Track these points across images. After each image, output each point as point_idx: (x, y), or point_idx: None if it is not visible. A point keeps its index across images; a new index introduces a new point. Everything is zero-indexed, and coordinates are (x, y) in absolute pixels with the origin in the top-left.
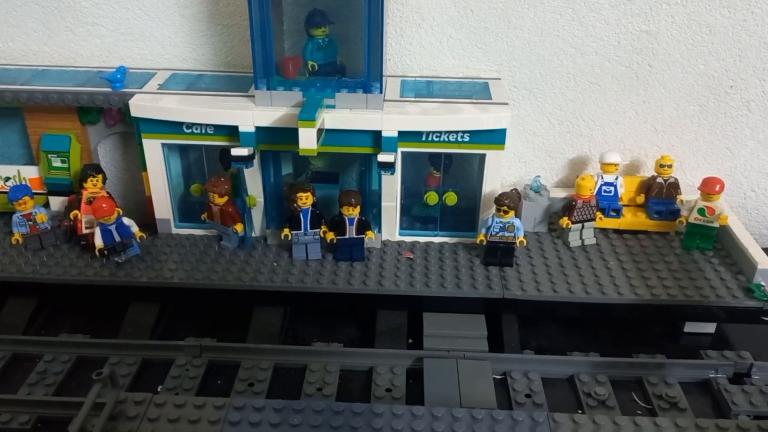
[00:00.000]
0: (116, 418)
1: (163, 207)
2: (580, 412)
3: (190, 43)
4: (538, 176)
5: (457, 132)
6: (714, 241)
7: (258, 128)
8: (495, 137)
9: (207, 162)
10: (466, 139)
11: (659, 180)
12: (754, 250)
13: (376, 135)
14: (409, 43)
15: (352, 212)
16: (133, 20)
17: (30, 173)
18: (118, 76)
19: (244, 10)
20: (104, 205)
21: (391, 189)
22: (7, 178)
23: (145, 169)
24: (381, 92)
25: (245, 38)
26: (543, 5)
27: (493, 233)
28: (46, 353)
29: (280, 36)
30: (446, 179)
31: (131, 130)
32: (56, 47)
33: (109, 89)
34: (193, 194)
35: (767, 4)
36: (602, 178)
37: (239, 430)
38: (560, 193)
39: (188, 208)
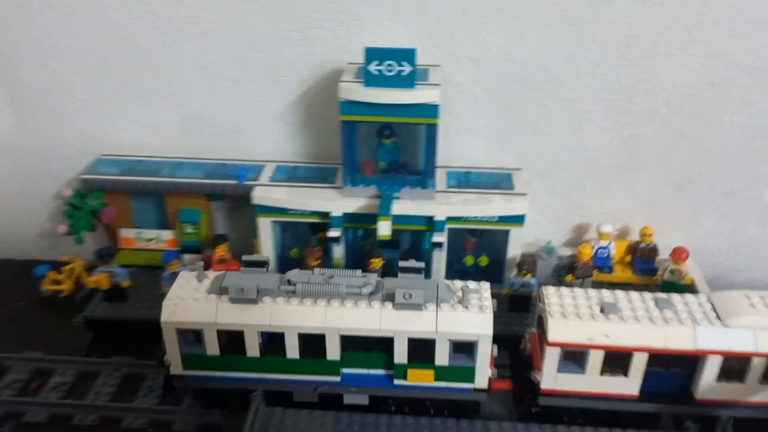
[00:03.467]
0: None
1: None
2: None
3: (288, 140)
4: (550, 241)
5: (488, 216)
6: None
7: (344, 213)
8: (517, 219)
9: (302, 233)
10: (496, 219)
11: (642, 245)
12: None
13: (429, 218)
14: (453, 142)
15: None
16: (245, 123)
17: (167, 235)
18: (243, 172)
19: (326, 116)
20: (233, 268)
21: (439, 255)
22: (150, 239)
23: (256, 237)
24: (434, 188)
25: (327, 137)
26: (554, 115)
27: (515, 289)
28: None
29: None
30: (479, 244)
31: (240, 205)
32: (187, 142)
33: (235, 181)
34: (292, 255)
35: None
36: (599, 243)
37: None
38: (567, 251)
39: (283, 266)
